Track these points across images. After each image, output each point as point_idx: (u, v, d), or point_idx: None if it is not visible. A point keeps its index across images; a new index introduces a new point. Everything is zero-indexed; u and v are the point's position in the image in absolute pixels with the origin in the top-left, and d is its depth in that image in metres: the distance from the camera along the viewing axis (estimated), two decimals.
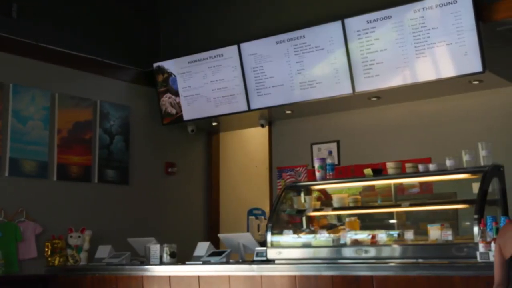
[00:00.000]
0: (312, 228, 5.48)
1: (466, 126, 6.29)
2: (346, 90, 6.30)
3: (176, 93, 7.43)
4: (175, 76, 7.41)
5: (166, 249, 5.72)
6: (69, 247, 6.36)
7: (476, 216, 4.32)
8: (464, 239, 4.58)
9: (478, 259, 4.13)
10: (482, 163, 4.79)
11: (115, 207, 7.07)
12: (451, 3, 5.63)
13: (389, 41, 6.00)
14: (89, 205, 6.84)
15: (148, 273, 5.62)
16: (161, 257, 5.72)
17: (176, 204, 7.74)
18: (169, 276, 5.47)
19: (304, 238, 5.26)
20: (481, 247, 4.13)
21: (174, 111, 7.48)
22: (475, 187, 4.62)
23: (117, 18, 7.52)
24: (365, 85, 6.19)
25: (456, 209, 5.17)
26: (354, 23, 6.18)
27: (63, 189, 6.65)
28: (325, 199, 5.74)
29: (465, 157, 4.85)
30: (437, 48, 5.76)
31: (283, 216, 5.59)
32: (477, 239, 4.22)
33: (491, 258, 4.04)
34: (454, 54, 5.67)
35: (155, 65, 7.52)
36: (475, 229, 4.27)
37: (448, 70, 5.75)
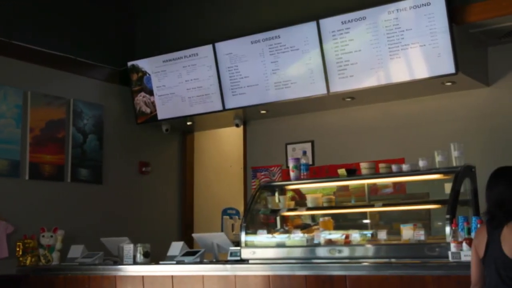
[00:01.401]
0: (286, 228, 5.48)
1: (439, 127, 6.35)
2: (320, 90, 6.32)
3: (151, 92, 7.39)
4: (149, 75, 7.38)
5: (140, 248, 5.69)
6: (41, 246, 6.29)
7: (448, 216, 4.36)
8: (436, 239, 4.62)
9: (450, 258, 4.17)
10: (454, 164, 4.84)
11: (88, 207, 7.01)
12: (425, 5, 5.68)
13: (364, 42, 6.03)
14: (61, 204, 6.78)
15: (121, 273, 5.58)
16: (134, 257, 5.68)
17: (150, 204, 7.71)
18: (143, 276, 5.44)
19: (278, 238, 5.27)
20: (453, 247, 4.17)
21: (148, 110, 7.44)
22: (448, 187, 4.66)
23: (91, 16, 7.45)
24: (339, 86, 6.22)
25: (429, 209, 5.21)
26: (329, 23, 6.21)
27: (35, 188, 6.57)
28: (299, 199, 5.76)
29: (438, 158, 4.89)
30: (410, 49, 5.81)
31: (257, 216, 5.58)
32: (449, 239, 4.26)
33: (463, 258, 4.09)
34: (428, 56, 5.72)
35: (129, 63, 7.48)
36: (447, 229, 4.31)
37: (421, 71, 5.80)
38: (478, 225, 4.15)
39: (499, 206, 3.29)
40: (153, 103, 7.40)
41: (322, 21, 6.25)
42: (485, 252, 3.35)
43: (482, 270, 3.43)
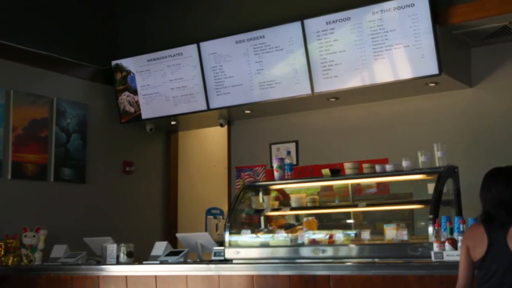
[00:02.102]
0: (270, 228, 5.48)
1: (423, 127, 6.38)
2: (305, 90, 6.33)
3: (135, 92, 7.37)
4: (133, 74, 7.35)
5: (123, 248, 5.66)
6: (24, 246, 6.24)
7: (430, 216, 4.38)
8: (419, 239, 4.64)
9: (433, 258, 4.19)
10: (437, 164, 4.86)
11: (71, 206, 6.97)
12: (409, 6, 5.71)
13: (348, 42, 6.05)
14: (44, 204, 6.73)
15: (105, 273, 5.55)
16: (117, 256, 5.66)
17: (133, 204, 7.68)
18: (126, 276, 5.42)
19: (262, 237, 5.27)
20: (436, 247, 4.19)
21: (132, 110, 7.42)
22: (431, 187, 4.68)
23: (75, 14, 7.41)
24: (324, 86, 6.23)
25: (412, 209, 5.23)
26: (314, 24, 6.22)
27: (18, 187, 6.53)
28: (283, 199, 5.76)
29: (421, 158, 4.91)
30: (394, 50, 5.83)
31: (241, 215, 5.58)
32: (431, 239, 4.28)
33: (445, 258, 4.12)
34: (411, 57, 5.75)
35: (113, 63, 7.45)
36: (430, 229, 4.33)
37: (405, 72, 5.82)
38: (462, 225, 4.18)
39: (500, 206, 3.24)
40: (137, 102, 7.37)
41: (306, 21, 6.26)
42: (486, 254, 3.28)
43: (472, 273, 3.37)
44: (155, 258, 5.44)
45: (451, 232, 4.20)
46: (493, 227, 3.28)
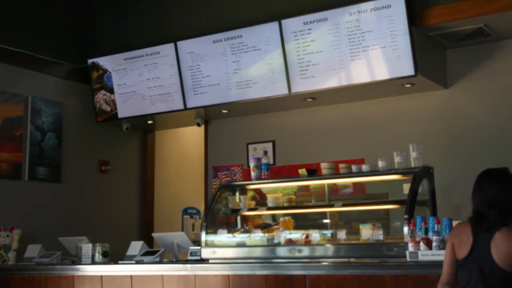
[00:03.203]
0: (247, 228, 5.49)
1: (399, 128, 6.43)
2: (282, 90, 6.34)
3: (111, 90, 7.32)
4: (110, 73, 7.30)
5: (99, 248, 5.63)
6: None
7: (406, 216, 4.41)
8: (394, 238, 4.67)
9: (408, 258, 4.21)
10: (413, 165, 4.89)
11: (46, 205, 6.91)
12: (385, 7, 5.74)
13: (325, 43, 6.07)
14: (18, 203, 6.66)
15: (79, 273, 5.51)
16: (93, 256, 5.62)
17: (109, 203, 7.63)
18: (101, 276, 5.38)
19: (239, 237, 5.27)
20: (411, 247, 4.22)
21: (108, 109, 7.37)
22: (406, 187, 4.71)
23: (51, 11, 7.34)
24: (301, 86, 6.25)
25: (388, 209, 5.26)
26: (291, 24, 6.23)
27: None
28: (260, 199, 5.77)
29: (397, 159, 4.94)
30: (371, 51, 5.86)
31: (218, 215, 5.57)
32: (406, 238, 4.31)
33: (420, 258, 4.15)
34: (388, 57, 5.79)
35: (89, 61, 7.40)
36: (405, 229, 4.37)
37: (381, 73, 5.86)
38: (436, 225, 4.21)
39: (493, 207, 3.25)
40: (113, 101, 7.33)
41: (284, 22, 6.26)
42: (469, 254, 3.29)
43: (456, 270, 3.38)
44: (131, 258, 5.42)
45: (426, 232, 4.23)
46: (480, 229, 3.28)
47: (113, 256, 5.66)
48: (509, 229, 3.21)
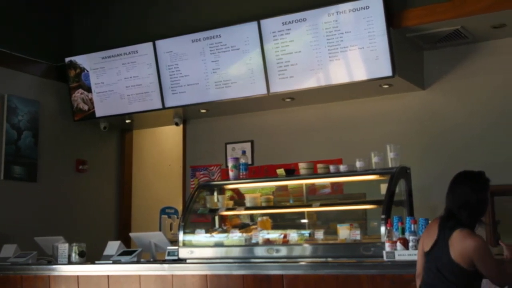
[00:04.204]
0: (225, 228, 5.48)
1: (376, 128, 6.46)
2: (261, 90, 6.35)
3: (89, 89, 7.27)
4: (87, 71, 7.25)
5: (75, 248, 5.59)
6: None
7: (383, 216, 4.44)
8: (371, 238, 4.70)
9: (384, 258, 4.24)
10: (390, 165, 4.92)
11: (22, 205, 6.84)
12: (364, 9, 5.77)
13: (304, 43, 6.08)
14: None
15: (56, 273, 5.47)
16: (69, 256, 5.59)
17: (86, 202, 7.58)
18: (78, 276, 5.35)
19: (216, 237, 5.26)
20: (387, 247, 4.25)
21: (86, 107, 7.32)
22: (383, 188, 4.74)
23: (27, 9, 7.27)
24: (279, 86, 6.25)
25: (365, 209, 5.29)
26: (270, 24, 6.23)
27: None
28: (238, 199, 5.76)
29: (374, 159, 4.96)
30: (349, 51, 5.89)
31: (196, 215, 5.56)
32: (384, 238, 4.34)
33: (397, 257, 4.18)
34: (366, 58, 5.81)
35: (67, 59, 7.34)
36: (382, 229, 4.39)
37: (360, 74, 5.88)
38: (413, 225, 4.24)
39: (463, 208, 3.34)
40: (91, 100, 7.28)
41: (263, 22, 6.27)
42: (431, 248, 3.42)
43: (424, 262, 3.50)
44: (108, 257, 5.39)
45: (403, 232, 4.26)
46: (446, 226, 3.38)
47: (90, 256, 5.62)
48: (465, 231, 3.32)
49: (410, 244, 4.17)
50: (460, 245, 3.28)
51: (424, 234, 3.56)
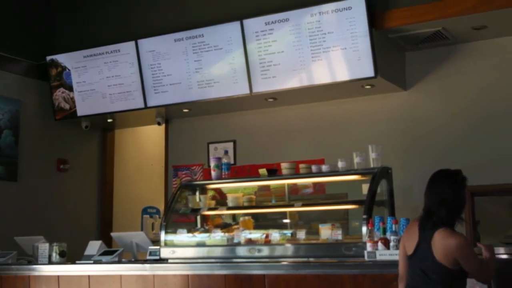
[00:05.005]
0: (207, 227, 5.47)
1: (358, 128, 6.48)
2: (243, 90, 6.34)
3: (70, 88, 7.23)
4: (69, 70, 7.21)
5: (56, 248, 5.56)
6: None
7: (364, 216, 4.45)
8: (353, 238, 4.72)
9: (366, 258, 4.26)
10: (372, 165, 4.94)
11: (2, 204, 6.79)
12: (346, 9, 5.79)
13: (287, 43, 6.09)
14: None
15: (36, 273, 5.43)
16: (50, 256, 5.55)
17: (67, 202, 7.53)
18: (58, 276, 5.31)
19: (198, 237, 5.25)
20: (369, 247, 4.26)
21: (67, 106, 7.27)
22: (365, 188, 4.76)
23: (8, 7, 7.21)
24: (262, 86, 6.26)
25: (347, 209, 5.31)
26: (253, 24, 6.23)
27: None
28: (220, 198, 5.76)
29: (356, 159, 4.98)
30: (332, 52, 5.90)
31: (178, 215, 5.55)
32: (365, 238, 4.36)
33: (378, 257, 4.20)
34: (348, 59, 5.83)
35: (48, 58, 7.29)
36: (364, 229, 4.41)
37: (342, 74, 5.90)
38: (394, 225, 4.27)
39: (442, 204, 3.39)
40: (72, 99, 7.23)
41: (246, 22, 6.27)
42: (414, 250, 3.44)
43: (408, 265, 3.52)
44: (89, 257, 5.36)
45: (384, 232, 4.28)
46: (426, 227, 3.41)
47: (71, 256, 5.59)
48: (446, 229, 3.37)
49: (391, 244, 4.19)
50: (442, 244, 3.32)
51: (405, 237, 3.58)
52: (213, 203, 5.59)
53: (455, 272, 3.33)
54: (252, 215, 5.45)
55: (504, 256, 4.24)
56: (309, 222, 5.39)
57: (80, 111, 7.23)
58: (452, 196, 3.41)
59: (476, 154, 5.92)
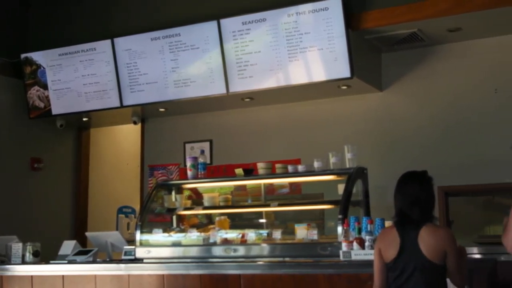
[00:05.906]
0: (182, 227, 5.46)
1: (335, 129, 6.51)
2: (220, 90, 6.34)
3: (45, 86, 7.16)
4: (44, 68, 7.14)
5: (29, 247, 5.51)
6: None
7: (340, 216, 4.48)
8: (329, 238, 4.74)
9: (341, 257, 4.28)
10: (347, 165, 4.97)
11: None
12: (323, 10, 5.81)
13: (263, 43, 6.10)
14: None
15: (9, 273, 5.38)
16: (23, 256, 5.50)
17: (41, 201, 7.46)
18: (32, 276, 5.26)
19: (174, 237, 5.24)
20: (344, 246, 4.29)
21: (42, 105, 7.20)
22: (341, 188, 4.78)
23: None
24: (238, 86, 6.25)
25: (323, 209, 5.34)
26: (230, 23, 6.23)
27: None
28: (196, 198, 5.74)
29: (332, 159, 5.01)
30: (309, 52, 5.92)
31: (153, 214, 5.53)
32: (340, 238, 4.38)
33: (353, 257, 4.22)
34: (325, 59, 5.86)
35: (22, 56, 7.22)
36: (339, 229, 4.43)
37: (318, 74, 5.92)
38: (369, 225, 4.29)
39: (415, 205, 3.41)
40: (47, 97, 7.17)
41: (223, 21, 6.26)
42: (398, 255, 3.41)
43: (386, 274, 3.48)
44: (63, 257, 5.33)
45: (359, 232, 4.30)
46: (406, 229, 3.42)
47: (45, 256, 5.54)
48: (433, 225, 3.42)
49: (367, 244, 4.22)
50: (432, 238, 3.35)
51: (381, 246, 3.50)
52: (189, 202, 5.58)
53: (441, 269, 3.36)
54: (228, 215, 5.46)
55: (478, 256, 4.29)
56: (285, 222, 5.40)
57: (55, 110, 7.16)
58: (424, 195, 3.45)
59: (450, 154, 5.98)
